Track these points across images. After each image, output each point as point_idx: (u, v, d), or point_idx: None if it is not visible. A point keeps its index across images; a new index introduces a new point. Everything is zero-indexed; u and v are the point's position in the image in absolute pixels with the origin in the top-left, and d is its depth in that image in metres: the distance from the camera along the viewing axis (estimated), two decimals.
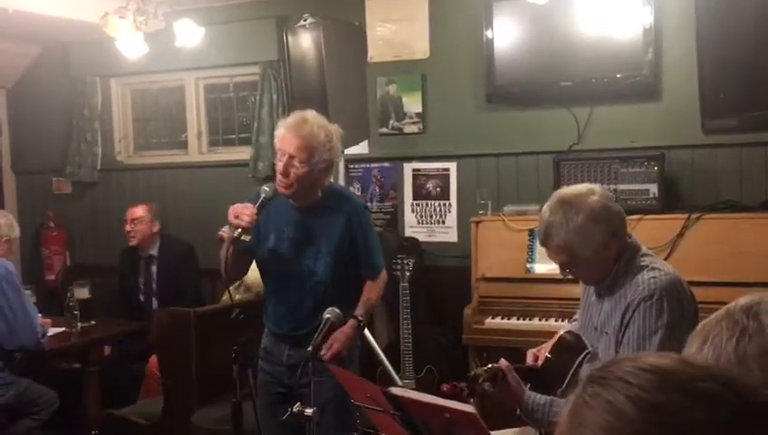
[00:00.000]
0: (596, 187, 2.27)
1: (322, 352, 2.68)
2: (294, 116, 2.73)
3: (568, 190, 2.28)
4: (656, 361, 0.76)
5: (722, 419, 0.70)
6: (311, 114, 2.74)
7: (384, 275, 2.97)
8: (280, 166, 2.68)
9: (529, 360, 2.41)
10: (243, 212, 2.61)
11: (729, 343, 0.97)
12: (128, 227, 4.75)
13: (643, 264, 2.19)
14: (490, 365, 2.16)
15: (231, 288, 4.02)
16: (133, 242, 4.76)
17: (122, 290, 4.95)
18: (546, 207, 2.25)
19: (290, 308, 2.84)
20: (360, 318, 2.81)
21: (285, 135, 2.68)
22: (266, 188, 2.70)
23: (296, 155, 2.65)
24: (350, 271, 2.85)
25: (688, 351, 1.01)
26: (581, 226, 2.16)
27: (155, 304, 4.73)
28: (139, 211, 4.77)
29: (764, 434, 0.70)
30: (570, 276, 2.31)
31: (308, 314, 2.78)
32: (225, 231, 2.72)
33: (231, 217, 2.63)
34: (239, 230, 2.60)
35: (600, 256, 2.19)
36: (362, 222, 2.87)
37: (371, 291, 2.90)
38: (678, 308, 2.11)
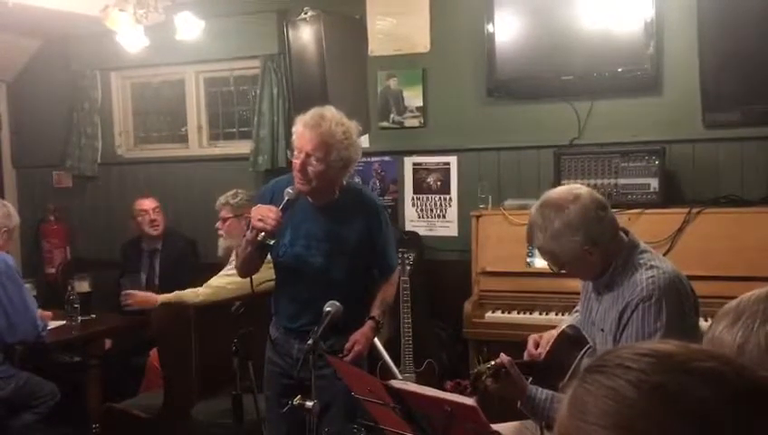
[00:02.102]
0: (584, 191, 2.23)
1: (344, 354, 2.70)
2: (313, 113, 2.66)
3: (554, 193, 2.26)
4: (653, 346, 0.76)
5: (726, 395, 0.69)
6: (329, 111, 2.68)
7: (398, 272, 2.98)
8: (297, 163, 2.62)
9: (530, 345, 2.42)
10: (267, 215, 2.57)
11: (762, 328, 0.94)
12: (152, 216, 4.72)
13: (641, 261, 2.18)
14: (492, 362, 2.16)
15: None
16: (158, 231, 4.74)
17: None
18: (533, 207, 2.25)
19: (304, 304, 2.80)
20: (378, 319, 2.81)
21: (303, 132, 2.62)
22: (290, 190, 2.65)
23: (313, 153, 2.59)
24: (365, 270, 2.85)
25: (717, 326, 0.98)
26: (558, 232, 2.16)
27: None
28: (153, 201, 4.76)
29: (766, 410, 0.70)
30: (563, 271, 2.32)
31: (318, 309, 2.72)
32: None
33: (254, 221, 2.59)
34: (263, 234, 2.56)
35: (583, 259, 2.18)
36: (381, 223, 2.84)
37: (387, 291, 2.90)
38: (677, 307, 2.11)
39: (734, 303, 0.99)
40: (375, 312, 2.82)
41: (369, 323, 2.79)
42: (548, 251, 2.22)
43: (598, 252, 2.18)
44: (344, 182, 2.78)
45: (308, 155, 2.59)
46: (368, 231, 2.78)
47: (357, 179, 4.76)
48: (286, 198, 2.63)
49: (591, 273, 2.24)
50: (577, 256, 2.17)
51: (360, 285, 2.83)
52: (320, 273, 2.74)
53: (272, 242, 2.60)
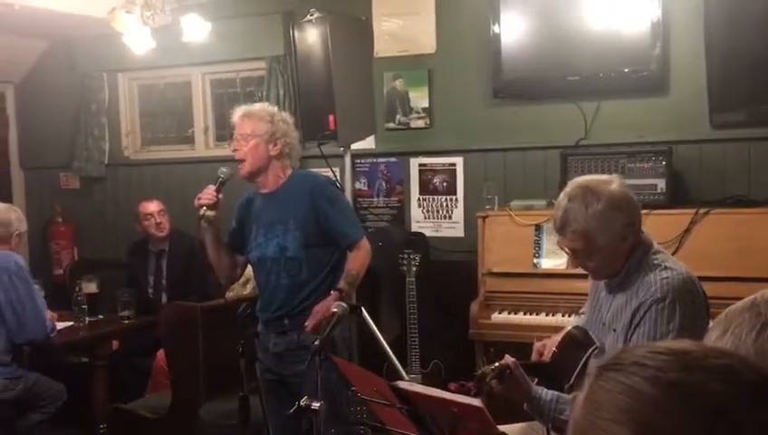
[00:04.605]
0: (614, 176, 2.26)
1: (306, 325, 2.87)
2: (241, 107, 3.09)
3: (587, 177, 2.27)
4: (669, 344, 0.77)
5: (741, 390, 0.70)
6: (257, 104, 3.14)
7: (365, 244, 3.02)
8: (233, 150, 3.02)
9: (534, 356, 2.41)
10: (203, 193, 2.97)
11: (749, 335, 0.96)
12: (158, 219, 4.72)
13: (656, 262, 2.17)
14: (497, 363, 2.15)
15: (238, 284, 4.08)
16: (164, 233, 4.75)
17: (130, 284, 4.95)
18: (564, 194, 2.21)
19: (271, 290, 2.99)
20: (342, 288, 2.89)
21: (236, 123, 3.02)
22: (224, 169, 3.02)
23: (243, 132, 2.97)
24: (322, 247, 2.96)
25: (709, 338, 1.00)
26: (601, 212, 2.14)
27: (164, 298, 4.74)
28: (158, 204, 4.78)
29: None
30: (580, 268, 2.29)
31: (286, 294, 2.95)
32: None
33: (195, 202, 2.98)
34: (203, 208, 2.95)
35: (616, 246, 2.17)
36: (326, 194, 3.00)
37: (352, 261, 2.98)
38: (691, 309, 2.09)
39: (722, 315, 1.02)
40: (340, 283, 2.92)
41: (332, 295, 2.88)
42: (585, 234, 2.15)
43: (632, 237, 2.17)
44: (290, 168, 3.05)
45: (240, 135, 2.97)
46: (313, 205, 2.94)
47: (363, 181, 4.78)
48: (220, 177, 3.00)
49: (615, 264, 2.20)
50: (614, 239, 2.15)
51: (321, 261, 2.96)
52: (278, 254, 2.94)
53: (211, 214, 2.97)
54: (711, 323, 2.40)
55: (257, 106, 3.09)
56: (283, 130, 3.00)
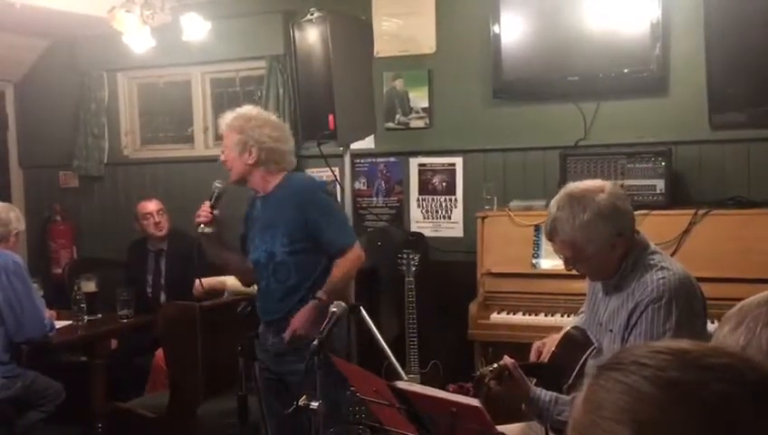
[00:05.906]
0: (607, 184, 2.25)
1: (283, 335, 2.89)
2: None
3: (578, 186, 2.26)
4: (668, 344, 0.77)
5: (742, 389, 0.70)
6: (244, 108, 3.09)
7: (353, 252, 2.96)
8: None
9: (532, 355, 2.41)
10: (200, 211, 2.98)
11: (764, 330, 0.96)
12: (157, 218, 4.73)
13: (652, 262, 2.17)
14: (495, 364, 2.15)
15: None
16: (163, 232, 4.75)
17: (129, 283, 4.95)
18: (554, 201, 2.23)
19: (264, 294, 3.01)
20: (321, 297, 2.86)
21: (224, 133, 3.04)
22: (217, 184, 3.03)
23: (227, 140, 2.99)
24: (312, 253, 2.93)
25: (721, 331, 1.00)
26: (587, 223, 2.14)
27: (163, 297, 4.74)
28: (157, 203, 4.78)
29: None
30: (575, 271, 2.30)
31: (276, 298, 2.95)
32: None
33: (195, 219, 2.99)
34: (201, 226, 2.97)
35: (605, 254, 2.17)
36: (315, 200, 2.95)
37: (334, 269, 2.92)
38: (687, 309, 2.10)
39: (736, 308, 1.01)
40: (319, 292, 2.88)
41: (310, 303, 2.86)
42: (573, 244, 2.17)
43: (621, 245, 2.17)
44: (280, 172, 3.00)
45: (226, 145, 3.00)
46: (301, 211, 2.90)
47: (362, 180, 4.78)
48: (215, 191, 3.01)
49: (607, 269, 2.21)
50: (602, 248, 2.15)
51: (309, 267, 2.93)
52: (266, 259, 2.94)
53: (209, 230, 2.97)
54: (712, 322, 2.40)
55: (240, 113, 3.03)
56: (256, 138, 2.92)
